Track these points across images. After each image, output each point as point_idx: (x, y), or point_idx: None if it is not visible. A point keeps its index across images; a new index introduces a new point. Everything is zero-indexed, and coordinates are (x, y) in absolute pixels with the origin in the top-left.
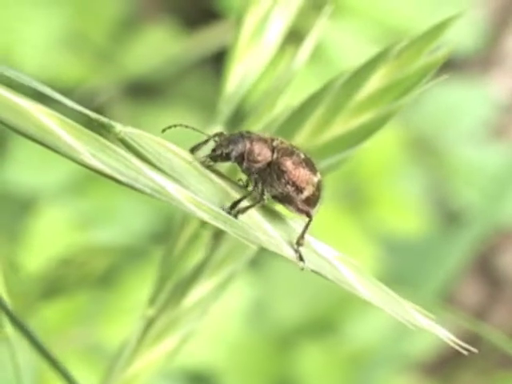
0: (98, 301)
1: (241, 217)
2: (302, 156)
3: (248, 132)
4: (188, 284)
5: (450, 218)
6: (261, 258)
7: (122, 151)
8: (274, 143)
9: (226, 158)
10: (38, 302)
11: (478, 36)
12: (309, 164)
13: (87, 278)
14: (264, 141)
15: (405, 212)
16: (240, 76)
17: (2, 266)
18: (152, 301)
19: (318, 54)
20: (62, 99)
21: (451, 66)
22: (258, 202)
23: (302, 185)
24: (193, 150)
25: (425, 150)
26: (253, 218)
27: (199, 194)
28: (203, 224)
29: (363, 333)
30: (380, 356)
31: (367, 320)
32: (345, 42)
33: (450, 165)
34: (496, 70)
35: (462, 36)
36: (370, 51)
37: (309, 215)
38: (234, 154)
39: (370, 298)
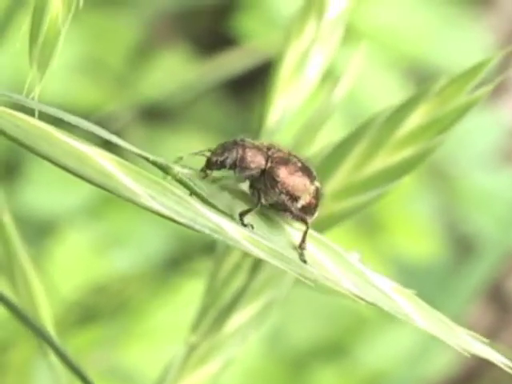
0: (115, 324)
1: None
2: (299, 164)
3: (242, 139)
4: (229, 311)
5: (461, 242)
6: None
7: (181, 193)
8: (270, 151)
9: (221, 165)
10: (73, 328)
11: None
12: (306, 172)
13: (122, 306)
14: (258, 148)
15: (417, 237)
16: (281, 111)
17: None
18: (195, 327)
19: (330, 77)
20: (116, 140)
21: None
22: (255, 206)
23: (297, 194)
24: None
25: (436, 175)
26: (310, 253)
27: (256, 230)
28: (246, 254)
29: (377, 356)
30: (395, 379)
31: (381, 343)
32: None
33: (461, 189)
34: (506, 95)
35: (472, 61)
36: (384, 75)
37: (305, 221)
38: (228, 161)
39: (426, 328)
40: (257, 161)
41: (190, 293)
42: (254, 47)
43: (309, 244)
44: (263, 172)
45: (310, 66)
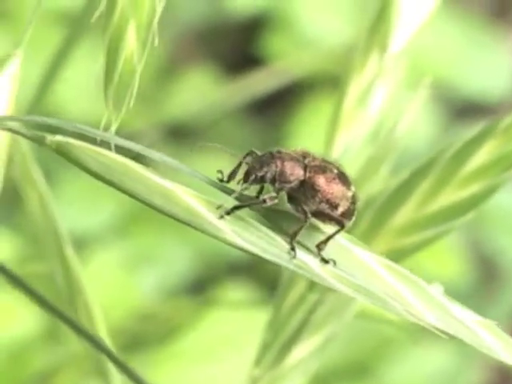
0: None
1: (379, 283)
2: (335, 171)
3: (279, 151)
4: (290, 344)
5: (485, 263)
6: None
7: (265, 228)
8: (306, 160)
9: (261, 180)
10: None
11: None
12: (342, 179)
13: (174, 333)
14: (296, 159)
15: (442, 257)
16: (344, 144)
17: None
18: (258, 360)
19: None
20: (193, 173)
21: (484, 110)
22: (304, 222)
23: (337, 201)
24: (230, 177)
25: None
26: (392, 286)
27: (341, 266)
28: (311, 287)
29: (402, 377)
30: None
31: (406, 364)
32: None
33: (486, 210)
34: None
35: (495, 80)
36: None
37: (341, 225)
38: (268, 175)
39: (508, 361)
40: (296, 173)
41: (215, 320)
42: (281, 67)
43: (390, 277)
44: (302, 182)
45: (373, 100)
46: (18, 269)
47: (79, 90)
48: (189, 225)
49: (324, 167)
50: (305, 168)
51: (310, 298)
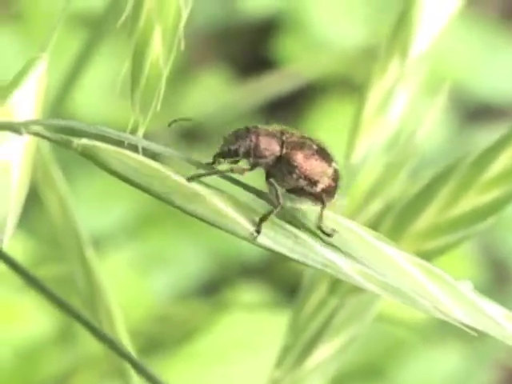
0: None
1: (407, 281)
2: (315, 147)
3: (255, 126)
4: (311, 346)
5: (497, 266)
6: None
7: (292, 228)
8: (284, 137)
9: (235, 154)
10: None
11: None
12: (322, 155)
13: (188, 335)
14: (272, 134)
15: (455, 261)
16: (365, 150)
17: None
18: (279, 363)
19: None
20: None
21: (496, 113)
22: (275, 207)
23: (316, 177)
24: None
25: None
26: (420, 283)
27: (368, 264)
28: (332, 290)
29: (415, 379)
30: None
31: (419, 366)
32: None
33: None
34: None
35: (508, 83)
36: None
37: (323, 202)
38: (242, 149)
39: None
40: (271, 148)
41: (230, 322)
42: (293, 69)
43: (419, 274)
44: (279, 158)
45: (394, 106)
46: (31, 271)
47: (95, 94)
48: (216, 226)
49: (302, 143)
50: (282, 144)
51: (331, 301)
